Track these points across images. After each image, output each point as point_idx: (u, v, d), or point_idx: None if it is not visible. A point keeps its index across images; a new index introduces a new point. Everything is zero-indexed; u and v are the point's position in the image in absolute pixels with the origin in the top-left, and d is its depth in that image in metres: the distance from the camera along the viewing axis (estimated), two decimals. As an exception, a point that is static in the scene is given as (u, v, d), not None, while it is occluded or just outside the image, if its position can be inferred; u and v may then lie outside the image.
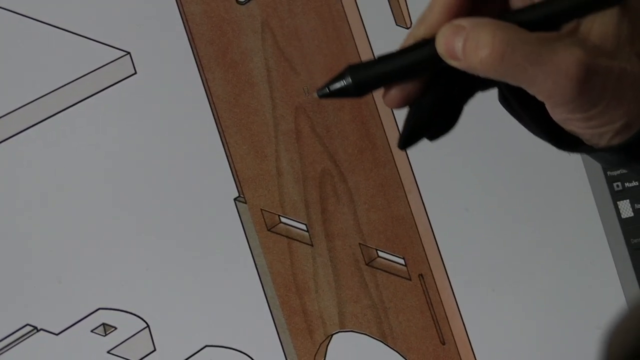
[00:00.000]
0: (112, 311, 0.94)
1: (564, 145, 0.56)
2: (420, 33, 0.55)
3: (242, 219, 0.98)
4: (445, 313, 0.99)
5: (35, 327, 0.93)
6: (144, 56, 0.98)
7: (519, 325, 1.00)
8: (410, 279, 0.99)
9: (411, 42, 0.55)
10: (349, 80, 0.54)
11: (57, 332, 0.93)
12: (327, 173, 0.99)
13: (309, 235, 0.98)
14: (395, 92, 0.55)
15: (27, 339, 0.92)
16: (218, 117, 0.98)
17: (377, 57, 0.55)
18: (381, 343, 0.99)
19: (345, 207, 0.99)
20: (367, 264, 0.99)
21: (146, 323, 0.95)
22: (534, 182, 1.02)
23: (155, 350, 0.95)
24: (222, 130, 0.98)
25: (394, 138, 1.01)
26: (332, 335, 0.98)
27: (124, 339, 0.94)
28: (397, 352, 0.99)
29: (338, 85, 0.54)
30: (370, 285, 0.99)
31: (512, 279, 1.01)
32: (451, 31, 0.53)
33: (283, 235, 0.98)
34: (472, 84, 0.56)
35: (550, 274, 1.02)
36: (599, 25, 0.53)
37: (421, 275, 1.00)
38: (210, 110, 0.98)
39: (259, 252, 0.97)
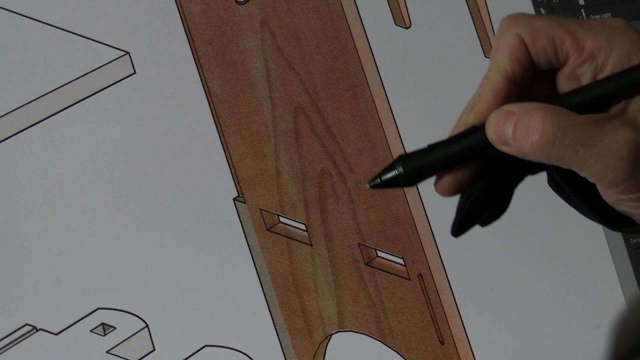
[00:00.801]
0: (111, 311, 0.94)
1: (616, 225, 0.56)
2: (470, 120, 0.55)
3: (241, 219, 0.97)
4: (444, 313, 0.99)
5: (35, 327, 0.92)
6: (143, 56, 0.98)
7: (518, 325, 1.00)
8: (409, 279, 0.99)
9: (461, 129, 0.56)
10: (400, 170, 0.55)
11: (56, 332, 0.93)
12: (326, 173, 0.99)
13: (308, 235, 0.98)
14: (447, 180, 0.56)
15: (27, 339, 0.92)
16: (217, 116, 0.98)
17: (428, 145, 0.55)
18: (380, 343, 0.99)
19: (345, 207, 0.99)
20: (366, 264, 0.99)
21: (145, 323, 0.94)
22: (533, 182, 1.02)
23: (154, 350, 0.94)
24: (221, 130, 0.98)
25: (393, 138, 1.01)
26: (331, 335, 0.98)
27: (123, 339, 0.94)
28: (396, 351, 0.99)
29: (389, 175, 0.55)
30: (370, 285, 0.99)
31: (511, 278, 1.01)
32: (501, 117, 0.53)
33: (282, 235, 0.98)
34: (521, 168, 0.56)
35: (549, 273, 1.02)
36: None
37: (420, 275, 1.00)
38: (209, 110, 0.98)
39: (258, 252, 0.97)
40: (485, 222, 0.57)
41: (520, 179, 0.58)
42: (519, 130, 0.52)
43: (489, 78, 0.56)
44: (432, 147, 0.55)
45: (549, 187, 0.58)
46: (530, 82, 0.56)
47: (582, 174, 0.53)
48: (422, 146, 0.56)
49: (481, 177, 0.56)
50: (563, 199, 0.58)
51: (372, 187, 0.56)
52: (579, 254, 1.02)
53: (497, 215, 0.57)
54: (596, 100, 0.53)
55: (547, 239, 1.02)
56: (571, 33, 0.55)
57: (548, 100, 0.54)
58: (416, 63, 1.03)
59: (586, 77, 0.55)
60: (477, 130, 0.55)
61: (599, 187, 0.54)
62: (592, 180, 0.53)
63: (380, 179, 0.55)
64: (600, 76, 0.55)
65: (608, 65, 0.54)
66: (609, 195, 0.54)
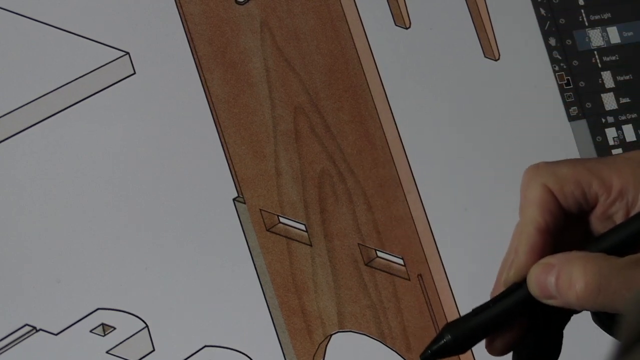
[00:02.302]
0: (111, 311, 0.94)
1: None
2: (511, 278, 0.56)
3: (241, 219, 0.97)
4: (444, 313, 0.99)
5: (34, 327, 0.92)
6: (143, 56, 0.98)
7: (518, 325, 1.01)
8: (409, 279, 0.99)
9: (501, 288, 0.56)
10: (449, 339, 0.55)
11: (56, 332, 0.93)
12: (326, 173, 0.99)
13: (308, 235, 0.98)
14: (497, 342, 0.55)
15: (26, 339, 0.92)
16: (217, 117, 0.98)
17: (473, 309, 0.56)
18: (380, 343, 0.99)
19: (344, 207, 0.99)
20: (366, 264, 0.99)
21: (145, 323, 0.94)
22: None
23: (154, 350, 0.94)
24: (221, 130, 0.98)
25: (393, 138, 1.01)
26: (331, 335, 0.98)
27: (123, 339, 0.94)
28: (396, 352, 0.99)
29: (439, 346, 0.55)
30: (369, 286, 0.99)
31: (511, 279, 1.01)
32: (541, 270, 0.54)
33: (282, 236, 0.98)
34: (567, 312, 0.56)
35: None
36: None
37: (420, 275, 1.00)
38: (209, 110, 0.98)
39: (258, 252, 0.97)
40: None
41: (567, 320, 0.58)
42: (562, 282, 0.52)
43: (523, 233, 0.56)
44: (477, 311, 0.56)
45: None
46: (564, 228, 0.56)
47: None
48: (467, 311, 0.56)
49: (530, 331, 0.56)
50: (609, 333, 0.57)
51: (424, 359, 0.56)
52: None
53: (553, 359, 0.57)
54: (634, 238, 0.53)
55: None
56: (596, 174, 0.55)
57: (585, 246, 0.54)
58: (416, 63, 1.03)
59: (619, 216, 0.55)
60: (519, 287, 0.55)
61: None
62: None
63: (430, 351, 0.55)
64: (633, 212, 0.55)
65: (639, 201, 0.55)
66: None
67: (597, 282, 0.51)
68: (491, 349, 0.56)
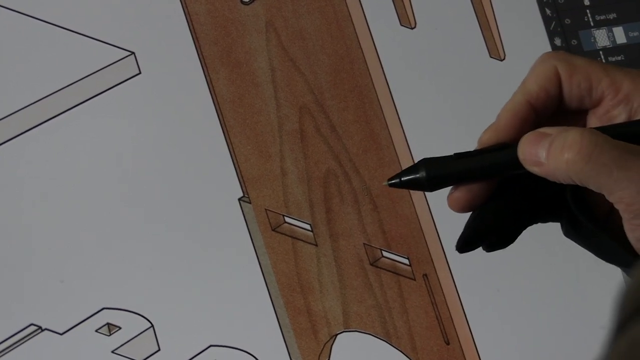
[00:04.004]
0: (116, 311, 0.94)
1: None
2: (486, 137, 0.56)
3: (247, 219, 0.98)
4: (449, 313, 0.99)
5: (40, 327, 0.93)
6: (149, 56, 0.98)
7: (523, 325, 1.00)
8: (414, 279, 0.99)
9: (478, 147, 0.56)
10: (423, 173, 0.55)
11: (61, 331, 0.93)
12: (331, 173, 0.99)
13: (314, 235, 0.98)
14: (461, 194, 0.56)
15: (32, 339, 0.92)
16: (222, 117, 0.98)
17: (454, 154, 0.55)
18: (385, 343, 0.98)
19: (350, 207, 0.99)
20: (371, 264, 0.99)
21: (150, 323, 0.95)
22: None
23: (159, 350, 0.95)
24: (227, 130, 0.98)
25: (398, 138, 1.01)
26: (336, 335, 0.98)
27: (129, 339, 0.94)
28: (401, 352, 0.99)
29: (411, 177, 0.55)
30: (375, 285, 0.99)
31: (516, 279, 1.01)
32: (535, 136, 0.53)
33: (287, 235, 0.98)
34: (534, 209, 0.56)
35: (554, 274, 1.02)
36: None
37: (425, 275, 1.00)
38: (214, 110, 0.98)
39: (263, 252, 0.97)
40: (489, 247, 0.57)
41: (530, 221, 0.57)
42: (555, 147, 0.52)
43: (512, 99, 0.56)
44: (458, 156, 0.55)
45: (599, 257, 0.58)
46: (558, 122, 0.56)
47: (611, 198, 0.52)
48: (447, 154, 0.56)
49: (495, 199, 0.56)
50: (581, 244, 0.57)
51: (391, 185, 0.55)
52: (583, 254, 1.02)
53: (502, 245, 0.57)
54: (635, 134, 0.53)
55: (552, 240, 1.02)
56: (609, 74, 0.55)
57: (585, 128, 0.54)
58: (421, 63, 1.04)
59: (620, 119, 0.55)
60: (506, 147, 0.55)
61: (626, 218, 0.53)
62: (619, 206, 0.52)
63: (401, 179, 0.55)
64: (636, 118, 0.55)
65: None
66: (634, 228, 0.53)
67: (591, 150, 0.51)
68: (453, 200, 0.56)
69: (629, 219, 0.53)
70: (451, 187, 0.56)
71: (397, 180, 0.55)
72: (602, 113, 0.56)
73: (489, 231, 0.57)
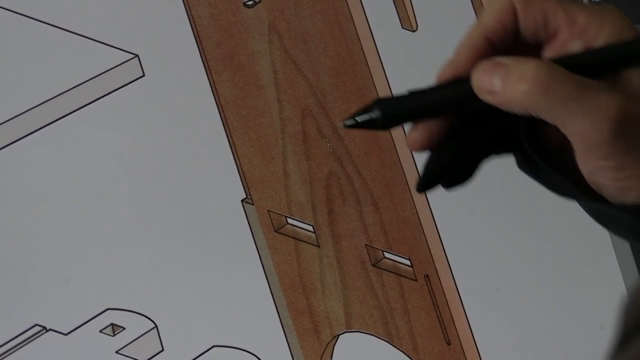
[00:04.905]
0: (120, 311, 0.94)
1: (588, 197, 0.54)
2: (444, 73, 0.55)
3: (250, 220, 0.98)
4: (450, 313, 0.99)
5: (45, 327, 0.93)
6: (152, 59, 0.98)
7: (523, 325, 1.01)
8: (416, 280, 0.99)
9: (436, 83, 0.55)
10: (377, 112, 0.54)
11: (66, 332, 0.93)
12: (333, 175, 0.99)
13: (316, 236, 0.99)
14: (418, 132, 0.55)
15: (37, 339, 0.92)
16: (225, 119, 0.98)
17: (408, 91, 0.54)
18: (387, 343, 0.99)
19: (352, 208, 0.99)
20: (373, 265, 0.99)
21: (154, 323, 0.95)
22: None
23: (163, 350, 0.95)
24: (230, 132, 0.98)
25: (399, 140, 1.01)
26: (338, 335, 0.98)
27: (133, 339, 0.94)
28: (403, 352, 0.99)
29: (365, 117, 0.54)
30: (377, 286, 0.99)
31: (516, 279, 1.01)
32: (490, 66, 0.52)
33: (290, 237, 0.98)
34: (490, 143, 0.56)
35: (554, 274, 1.02)
36: (638, 81, 0.53)
37: (427, 276, 1.00)
38: (217, 113, 0.98)
39: (266, 253, 0.98)
40: (448, 185, 0.56)
41: (486, 154, 0.56)
42: (511, 77, 0.51)
43: (469, 33, 0.55)
44: (412, 94, 0.54)
45: (551, 190, 0.57)
46: (513, 54, 0.55)
47: (565, 129, 0.52)
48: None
49: (451, 137, 0.55)
50: (533, 177, 0.57)
51: (347, 127, 0.54)
52: (583, 255, 1.02)
53: (461, 180, 0.56)
54: (590, 66, 0.53)
55: (552, 241, 1.02)
56: (564, 7, 0.54)
57: (542, 60, 0.53)
58: (422, 66, 1.04)
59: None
60: (459, 82, 0.54)
61: (578, 150, 0.52)
62: (573, 139, 0.52)
63: (356, 120, 0.54)
64: None
65: (598, 41, 0.54)
66: (587, 160, 0.53)
67: (546, 82, 0.50)
68: (411, 139, 0.55)
69: (582, 151, 0.52)
70: (410, 127, 0.55)
71: (353, 120, 0.54)
72: (558, 46, 0.55)
73: (446, 169, 0.55)
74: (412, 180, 1.01)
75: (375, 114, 0.54)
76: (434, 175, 0.55)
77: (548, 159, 0.55)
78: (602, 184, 0.53)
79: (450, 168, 0.55)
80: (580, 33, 0.54)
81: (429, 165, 0.55)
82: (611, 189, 0.53)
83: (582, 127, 0.51)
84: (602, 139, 0.51)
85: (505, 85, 0.52)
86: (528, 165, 0.56)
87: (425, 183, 0.55)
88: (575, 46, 0.54)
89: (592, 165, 0.52)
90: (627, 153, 0.51)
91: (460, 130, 0.55)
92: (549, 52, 0.55)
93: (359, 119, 0.54)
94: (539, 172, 0.56)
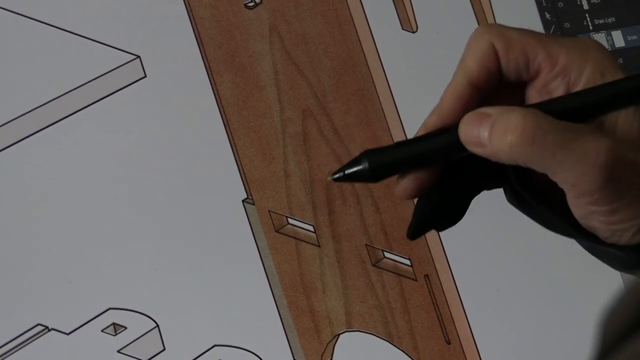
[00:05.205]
0: (122, 311, 0.94)
1: (583, 237, 0.54)
2: (431, 121, 0.54)
3: (250, 220, 0.98)
4: (450, 313, 0.99)
5: (46, 327, 0.93)
6: (154, 60, 0.98)
7: (523, 325, 1.01)
8: (416, 280, 0.99)
9: (423, 131, 0.55)
10: (366, 165, 0.54)
11: (67, 331, 0.93)
12: (334, 175, 0.99)
13: (316, 236, 0.99)
14: (407, 182, 0.54)
15: (38, 339, 0.92)
16: (226, 119, 0.99)
17: (395, 142, 0.54)
18: (387, 342, 0.99)
19: (352, 208, 0.99)
20: (373, 265, 0.99)
21: (156, 323, 0.95)
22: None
23: (164, 349, 0.95)
24: (231, 133, 0.99)
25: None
26: (339, 334, 0.98)
27: (134, 339, 0.94)
28: (403, 351, 0.99)
29: (354, 169, 0.54)
30: (377, 286, 0.99)
31: (516, 279, 1.01)
32: (476, 117, 0.52)
33: (290, 237, 0.98)
34: (479, 181, 0.56)
35: (554, 274, 1.02)
36: (625, 121, 0.53)
37: (427, 275, 1.00)
38: (218, 113, 0.99)
39: (267, 253, 0.98)
40: (441, 227, 0.56)
41: (477, 192, 0.56)
42: (497, 129, 0.51)
43: (453, 81, 0.55)
44: (399, 145, 0.54)
45: (543, 226, 0.57)
46: (498, 96, 0.55)
47: (556, 178, 0.51)
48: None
49: (440, 184, 0.55)
50: (524, 212, 0.57)
51: (335, 180, 0.54)
52: (584, 255, 1.02)
53: (452, 222, 0.56)
54: (575, 110, 0.52)
55: (552, 240, 1.02)
56: (545, 47, 0.54)
57: (526, 107, 0.53)
58: (423, 67, 1.04)
59: (558, 92, 0.54)
60: (447, 131, 0.54)
61: (570, 196, 0.52)
62: (564, 186, 0.52)
63: (344, 173, 0.54)
64: (574, 90, 0.54)
65: (581, 81, 0.54)
66: (579, 206, 0.52)
67: (533, 133, 0.50)
68: (400, 189, 0.55)
69: (573, 198, 0.52)
70: (397, 176, 0.55)
71: (341, 174, 0.54)
72: (541, 86, 0.55)
73: (437, 214, 0.56)
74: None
75: (363, 166, 0.54)
76: (425, 222, 0.56)
77: (539, 198, 0.55)
78: (594, 226, 0.53)
79: (442, 213, 0.56)
80: (562, 72, 0.54)
81: (419, 212, 0.55)
82: (604, 232, 0.53)
83: (572, 176, 0.51)
84: (592, 186, 0.50)
85: (491, 138, 0.51)
86: (518, 202, 0.56)
87: (417, 230, 0.56)
88: (557, 86, 0.54)
89: (583, 210, 0.52)
90: (618, 197, 0.51)
91: (450, 176, 0.55)
92: (533, 92, 0.55)
93: (348, 171, 0.54)
94: (530, 209, 0.56)
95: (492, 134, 0.51)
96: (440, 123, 0.54)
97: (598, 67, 0.54)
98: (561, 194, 0.53)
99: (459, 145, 0.53)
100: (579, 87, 0.54)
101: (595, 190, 0.51)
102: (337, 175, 0.54)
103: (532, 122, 0.50)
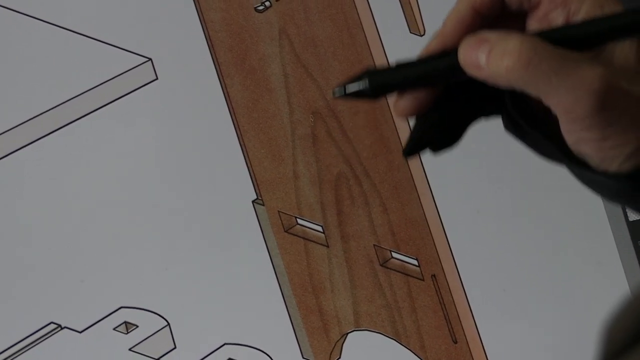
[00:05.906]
0: (133, 310, 0.95)
1: (573, 163, 0.55)
2: (432, 45, 0.55)
3: (260, 221, 0.98)
4: (457, 312, 1.00)
5: (59, 325, 0.93)
6: (165, 62, 0.98)
7: (528, 324, 1.01)
8: (423, 280, 1.00)
9: (425, 54, 0.55)
10: (366, 82, 0.54)
11: (80, 330, 0.94)
12: (342, 176, 1.00)
13: (325, 236, 0.99)
14: (406, 101, 0.55)
15: (52, 337, 0.93)
16: (237, 121, 0.99)
17: (396, 63, 0.55)
18: (395, 342, 0.99)
19: (360, 209, 1.00)
20: (381, 265, 0.99)
21: (167, 321, 0.95)
22: (544, 185, 1.01)
23: (175, 347, 0.95)
24: (241, 135, 0.99)
25: (407, 142, 1.01)
26: (347, 334, 0.98)
27: (145, 337, 0.95)
28: (410, 350, 0.99)
29: (355, 86, 0.54)
30: (385, 286, 0.99)
31: (522, 280, 1.01)
32: (475, 41, 0.53)
33: (300, 237, 0.99)
34: (478, 106, 0.56)
35: (559, 275, 1.02)
36: (621, 53, 0.53)
37: (434, 275, 1.00)
38: (229, 115, 0.99)
39: (276, 253, 0.98)
40: (436, 149, 0.56)
41: (474, 118, 0.57)
42: (495, 53, 0.52)
43: (456, 6, 0.56)
44: (400, 65, 0.55)
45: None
46: (499, 24, 0.56)
47: (550, 103, 0.52)
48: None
49: (438, 105, 0.55)
50: (519, 139, 0.57)
51: (337, 96, 0.55)
52: (587, 256, 1.02)
53: (447, 145, 0.56)
54: (573, 39, 0.53)
55: (557, 241, 1.02)
56: None
57: (524, 34, 0.53)
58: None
59: (558, 22, 0.55)
60: (447, 54, 0.54)
61: (563, 122, 0.53)
62: (558, 111, 0.52)
63: (345, 89, 0.54)
64: (574, 21, 0.54)
65: (580, 12, 0.54)
66: (572, 132, 0.53)
67: (530, 57, 0.50)
68: (399, 106, 0.55)
69: (566, 123, 0.53)
70: (397, 94, 0.55)
71: (342, 90, 0.54)
72: (541, 16, 0.55)
73: (434, 134, 0.56)
74: (420, 181, 1.01)
75: (364, 84, 0.54)
76: (421, 140, 0.56)
77: (534, 124, 0.55)
78: (586, 153, 0.54)
79: (438, 132, 0.56)
80: (562, 2, 0.54)
81: (416, 131, 0.56)
82: (595, 158, 0.53)
83: (566, 101, 0.51)
84: (585, 112, 0.51)
85: (489, 61, 0.52)
86: (515, 128, 0.56)
87: (412, 147, 0.56)
88: (557, 16, 0.55)
89: (575, 135, 0.53)
90: (610, 125, 0.52)
91: (448, 97, 0.55)
92: (533, 22, 0.56)
93: (348, 88, 0.55)
94: (525, 136, 0.56)
95: (489, 57, 0.52)
96: (441, 46, 0.55)
97: (598, 0, 0.54)
98: (555, 122, 0.54)
99: (458, 68, 0.53)
100: (578, 18, 0.54)
101: (587, 116, 0.51)
102: (338, 91, 0.55)
103: (529, 47, 0.51)
